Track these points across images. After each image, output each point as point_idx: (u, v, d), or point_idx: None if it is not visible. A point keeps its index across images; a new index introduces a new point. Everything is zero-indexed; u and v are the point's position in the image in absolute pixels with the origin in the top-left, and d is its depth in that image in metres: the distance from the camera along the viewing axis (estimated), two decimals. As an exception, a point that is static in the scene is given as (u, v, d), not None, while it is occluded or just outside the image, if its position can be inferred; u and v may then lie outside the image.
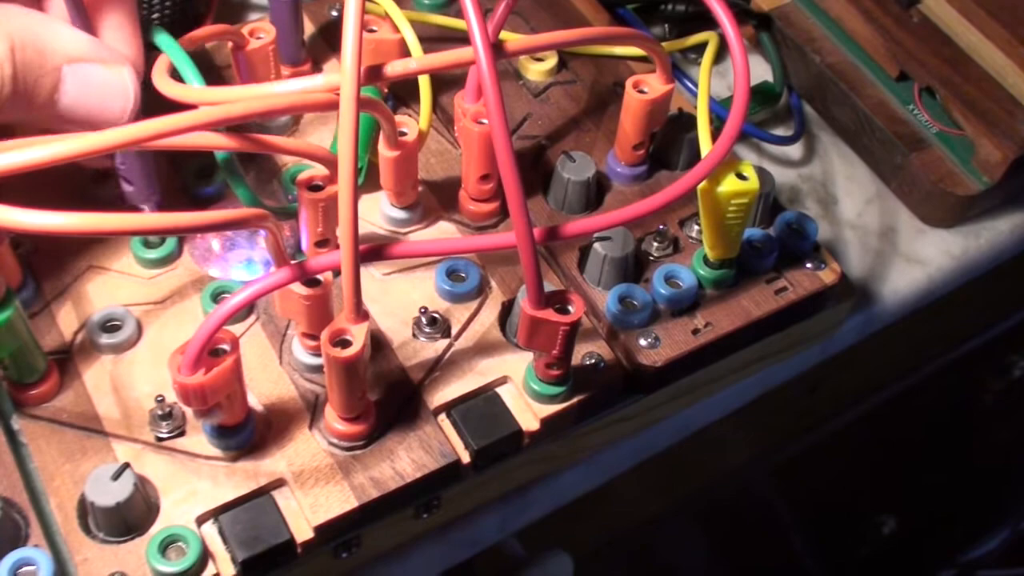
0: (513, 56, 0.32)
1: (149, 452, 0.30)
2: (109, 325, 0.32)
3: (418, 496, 0.31)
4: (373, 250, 0.29)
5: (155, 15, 0.39)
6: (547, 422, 0.32)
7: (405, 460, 0.31)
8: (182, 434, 0.31)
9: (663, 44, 0.42)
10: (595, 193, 0.37)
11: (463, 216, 0.37)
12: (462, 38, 0.28)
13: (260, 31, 0.35)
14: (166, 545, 0.29)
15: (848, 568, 0.91)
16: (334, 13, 0.41)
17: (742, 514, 0.73)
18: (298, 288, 0.29)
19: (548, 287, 0.30)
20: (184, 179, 0.36)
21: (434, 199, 0.37)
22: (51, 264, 0.34)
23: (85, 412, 0.31)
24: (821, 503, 0.78)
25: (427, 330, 0.33)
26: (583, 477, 0.38)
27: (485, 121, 0.33)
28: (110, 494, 0.28)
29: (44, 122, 0.29)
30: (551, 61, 0.40)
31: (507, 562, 0.48)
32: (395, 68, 0.29)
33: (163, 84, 0.30)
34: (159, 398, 0.31)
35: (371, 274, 0.35)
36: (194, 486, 0.30)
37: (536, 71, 0.40)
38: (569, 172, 0.36)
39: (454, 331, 0.34)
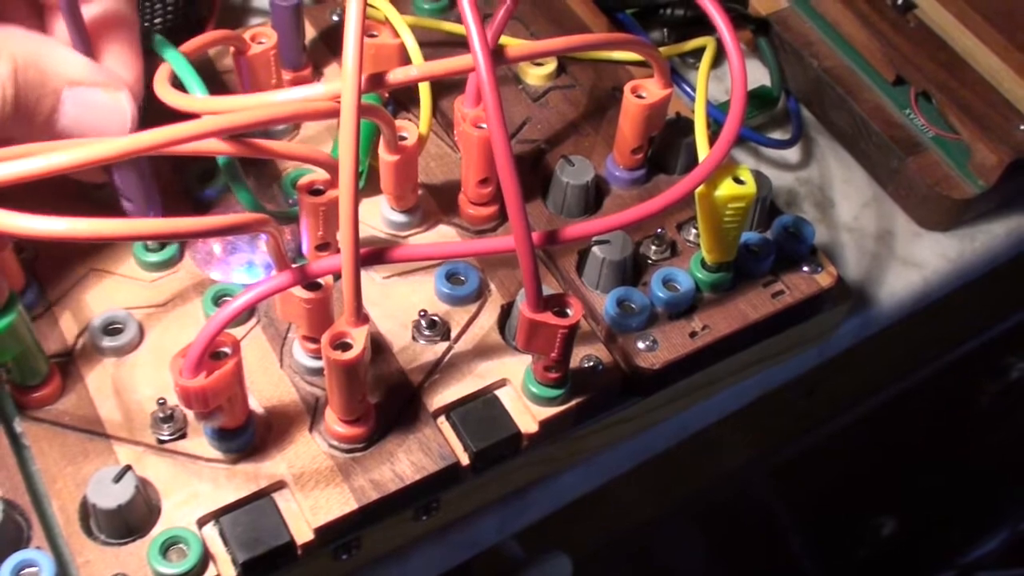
0: (512, 62, 0.32)
1: (150, 454, 0.31)
2: (111, 328, 0.33)
3: (417, 498, 0.32)
4: (373, 254, 0.30)
5: (157, 20, 0.40)
6: (546, 424, 0.33)
7: (405, 462, 0.31)
8: (183, 436, 0.31)
9: (661, 49, 0.42)
10: (594, 197, 0.37)
11: (463, 220, 0.37)
12: (463, 43, 0.28)
13: (261, 36, 0.36)
14: (167, 547, 0.29)
15: (847, 570, 0.91)
16: (335, 18, 0.42)
17: (740, 516, 0.73)
18: (299, 292, 0.30)
19: (547, 290, 0.30)
20: (186, 182, 0.36)
21: (434, 203, 0.37)
22: (54, 268, 0.34)
23: (87, 415, 0.31)
24: (819, 505, 0.79)
25: (427, 333, 0.34)
26: (582, 479, 0.38)
27: (484, 126, 0.34)
28: (112, 496, 0.28)
29: (41, 141, 0.29)
30: (550, 66, 0.41)
31: (506, 563, 0.48)
32: (396, 76, 0.29)
33: (165, 93, 0.31)
34: (160, 401, 0.31)
35: (371, 277, 0.35)
36: (195, 488, 0.30)
37: (535, 76, 0.41)
38: (568, 176, 0.36)
39: (453, 334, 0.34)
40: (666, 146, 0.38)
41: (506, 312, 0.35)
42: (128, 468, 0.29)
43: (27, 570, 0.28)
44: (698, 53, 0.45)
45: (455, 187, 0.37)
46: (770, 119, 0.46)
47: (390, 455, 0.31)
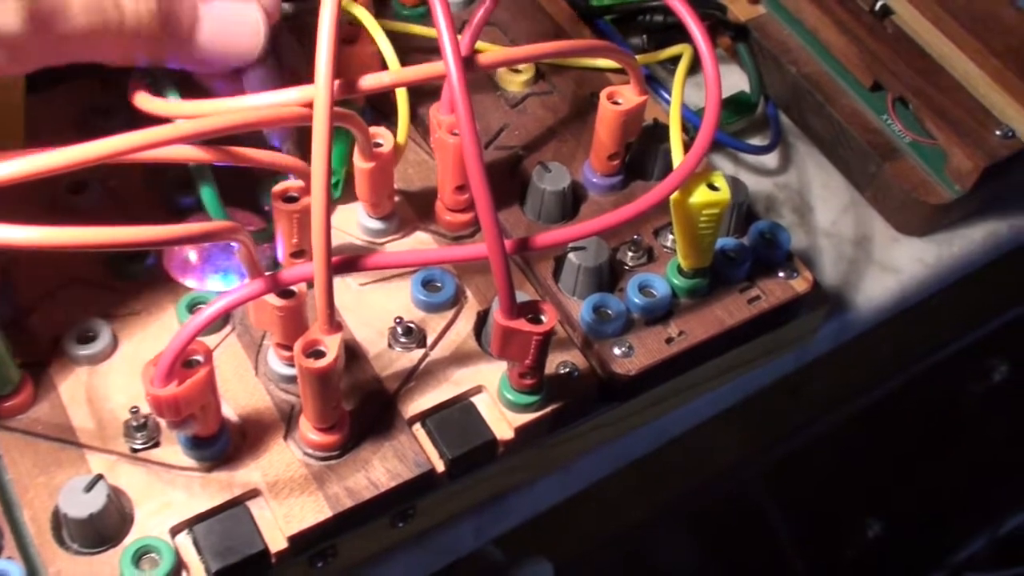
0: (487, 69, 0.32)
1: (124, 463, 0.31)
2: (84, 336, 0.33)
3: (393, 505, 0.32)
4: (347, 261, 0.30)
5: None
6: (521, 431, 0.33)
7: (380, 470, 0.31)
8: (156, 445, 0.31)
9: (639, 56, 0.43)
10: (571, 203, 0.37)
11: (440, 226, 0.37)
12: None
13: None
14: (140, 556, 0.29)
15: (837, 571, 0.91)
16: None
17: (728, 519, 0.73)
18: (272, 299, 0.30)
19: (522, 297, 0.30)
20: (162, 189, 0.36)
21: (411, 209, 0.37)
22: (27, 274, 0.34)
23: (60, 424, 0.31)
24: (809, 506, 0.79)
25: (402, 340, 0.34)
26: (560, 485, 0.38)
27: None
28: (83, 505, 0.28)
29: (181, 60, 0.31)
30: (528, 72, 0.41)
31: (488, 570, 0.48)
32: (368, 82, 0.29)
33: (139, 99, 0.31)
34: (134, 409, 0.31)
35: (347, 284, 0.35)
36: (168, 497, 0.30)
37: (513, 82, 0.41)
38: (545, 182, 0.36)
39: (429, 341, 0.34)
40: (643, 152, 0.38)
41: (482, 319, 0.35)
42: (100, 477, 0.29)
43: (-2, 580, 0.28)
44: (678, 60, 0.45)
45: (432, 194, 0.37)
46: (749, 125, 0.46)
47: (365, 462, 0.31)
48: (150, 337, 0.33)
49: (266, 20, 0.31)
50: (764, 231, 0.37)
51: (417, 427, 0.32)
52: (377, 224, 0.36)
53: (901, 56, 0.44)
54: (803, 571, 0.87)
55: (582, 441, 0.36)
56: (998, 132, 0.42)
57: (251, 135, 0.31)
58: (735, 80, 0.46)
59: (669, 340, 0.35)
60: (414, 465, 0.31)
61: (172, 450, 0.31)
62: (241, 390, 0.32)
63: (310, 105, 0.27)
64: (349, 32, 0.35)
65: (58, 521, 0.29)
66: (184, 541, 0.30)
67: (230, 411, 0.32)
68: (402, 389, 0.33)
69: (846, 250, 0.43)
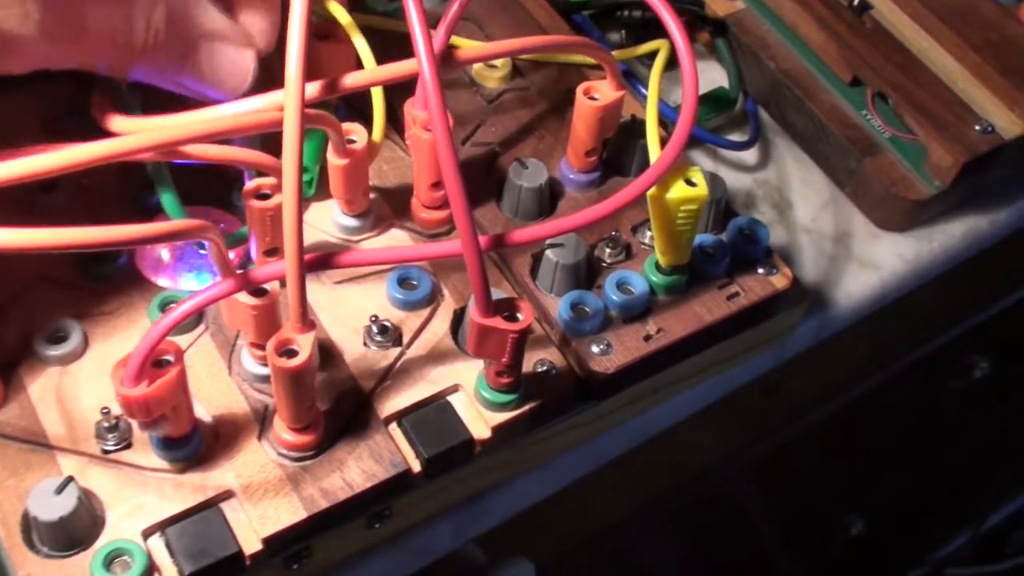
0: (462, 65, 0.32)
1: (95, 465, 0.30)
2: (55, 336, 0.32)
3: (369, 506, 0.31)
4: (320, 259, 0.29)
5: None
6: (498, 430, 0.32)
7: (355, 470, 0.31)
8: (128, 446, 0.30)
9: (616, 52, 0.42)
10: (548, 200, 0.37)
11: (416, 224, 0.36)
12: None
13: None
14: (111, 559, 0.28)
15: (821, 569, 0.91)
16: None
17: (710, 518, 0.73)
18: (244, 298, 0.29)
19: (498, 295, 0.30)
20: (131, 189, 0.36)
21: (387, 207, 0.37)
22: (-4, 275, 0.33)
23: (29, 425, 0.31)
24: (791, 504, 0.79)
25: (378, 339, 0.33)
26: (539, 483, 0.38)
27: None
28: (53, 508, 0.28)
29: (163, 81, 0.32)
30: (505, 68, 0.40)
31: (468, 570, 0.48)
32: (340, 83, 0.29)
33: (103, 118, 0.30)
34: (105, 410, 0.30)
35: (322, 282, 0.35)
36: (140, 499, 0.30)
37: (490, 78, 0.40)
38: (522, 179, 0.36)
39: (405, 339, 0.34)
40: (621, 148, 0.38)
41: (459, 317, 0.34)
42: (70, 479, 0.28)
43: (-34, 585, 0.27)
44: (655, 55, 0.45)
45: (408, 191, 0.36)
46: (728, 120, 0.46)
47: (340, 463, 0.31)
48: (122, 337, 0.33)
49: (256, 69, 0.32)
50: (743, 227, 0.36)
51: (393, 427, 0.32)
52: (352, 221, 0.36)
53: (880, 51, 0.44)
54: (786, 569, 0.88)
55: (560, 440, 0.35)
56: (977, 127, 0.42)
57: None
58: (714, 76, 0.46)
59: (647, 337, 0.34)
60: (390, 465, 0.31)
61: (144, 452, 0.30)
62: (214, 390, 0.32)
63: (281, 109, 0.27)
64: (323, 28, 0.35)
65: (28, 524, 0.29)
66: (156, 544, 0.29)
67: (203, 411, 0.31)
68: (378, 388, 0.33)
69: (826, 246, 0.43)
